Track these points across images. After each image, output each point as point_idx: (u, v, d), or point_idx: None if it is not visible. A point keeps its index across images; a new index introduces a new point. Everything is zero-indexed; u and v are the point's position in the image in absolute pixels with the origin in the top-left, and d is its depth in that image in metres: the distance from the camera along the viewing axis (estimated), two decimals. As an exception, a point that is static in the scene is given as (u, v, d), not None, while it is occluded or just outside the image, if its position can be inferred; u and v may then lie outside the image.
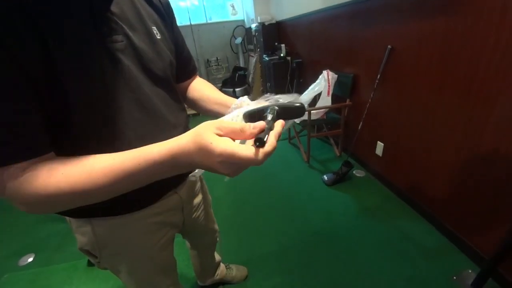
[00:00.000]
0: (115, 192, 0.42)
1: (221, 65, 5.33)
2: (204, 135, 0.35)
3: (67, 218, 0.62)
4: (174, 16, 0.67)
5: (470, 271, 1.34)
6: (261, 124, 0.37)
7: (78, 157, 0.41)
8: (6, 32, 0.34)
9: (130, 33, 0.50)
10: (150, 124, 0.54)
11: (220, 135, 0.35)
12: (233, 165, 0.35)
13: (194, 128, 0.37)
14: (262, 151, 0.33)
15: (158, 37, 0.57)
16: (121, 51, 0.49)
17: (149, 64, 0.54)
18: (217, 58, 5.25)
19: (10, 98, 0.36)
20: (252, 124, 0.36)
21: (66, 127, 0.45)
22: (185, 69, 0.73)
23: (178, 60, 0.66)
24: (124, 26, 0.49)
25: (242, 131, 0.36)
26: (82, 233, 0.62)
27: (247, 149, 0.33)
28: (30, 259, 1.74)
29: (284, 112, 0.41)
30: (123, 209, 0.60)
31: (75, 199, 0.41)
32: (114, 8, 0.48)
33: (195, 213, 0.84)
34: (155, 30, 0.56)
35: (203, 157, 0.35)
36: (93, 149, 0.42)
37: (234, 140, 0.36)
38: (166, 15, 0.62)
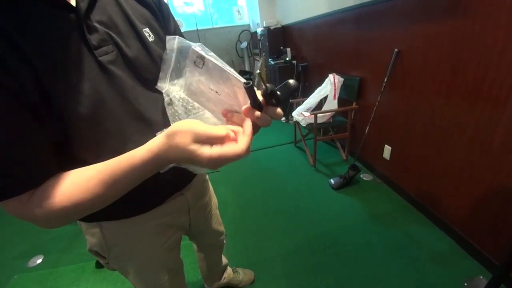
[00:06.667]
0: (115, 196, 0.42)
1: (227, 69, 5.37)
2: (184, 144, 0.36)
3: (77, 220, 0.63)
4: (167, 8, 0.61)
5: (481, 277, 1.31)
6: (247, 129, 0.38)
7: (73, 172, 0.42)
8: (3, 71, 0.35)
9: (120, 42, 0.48)
10: (150, 134, 0.52)
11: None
12: (219, 163, 0.36)
13: (169, 134, 0.37)
14: (245, 141, 0.37)
15: (151, 39, 0.53)
16: (113, 63, 0.47)
17: (143, 72, 0.51)
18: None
19: (15, 133, 0.37)
20: (241, 129, 0.39)
21: (67, 147, 0.45)
22: None
23: None
24: (113, 35, 0.47)
25: (230, 137, 0.38)
26: (91, 234, 0.63)
27: (232, 147, 0.36)
28: (39, 261, 1.77)
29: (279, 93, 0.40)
30: (131, 212, 0.61)
31: (82, 211, 0.42)
32: (101, 16, 0.46)
33: (201, 215, 0.85)
34: (147, 31, 0.53)
35: (186, 159, 0.37)
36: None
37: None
38: (158, 11, 0.57)
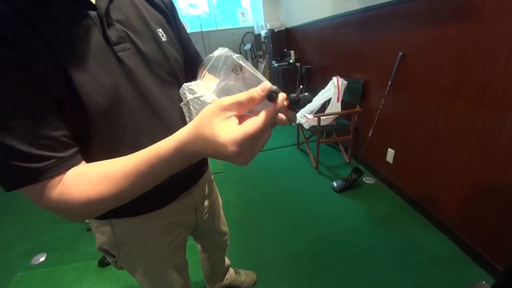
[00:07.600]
0: (141, 190, 0.42)
1: (230, 70, 5.39)
2: (209, 127, 0.33)
3: None
4: (178, 14, 0.66)
5: (484, 282, 1.30)
6: (266, 85, 0.35)
7: (98, 164, 0.42)
8: (31, 58, 0.37)
9: (136, 40, 0.51)
10: (163, 129, 0.54)
11: (228, 117, 0.34)
12: (248, 147, 0.34)
13: (197, 118, 0.36)
14: (268, 112, 0.34)
15: (164, 39, 0.57)
16: (130, 59, 0.50)
17: (157, 69, 0.54)
18: (226, 64, 5.32)
19: (42, 118, 0.38)
20: (258, 88, 0.35)
21: (85, 139, 0.46)
22: (193, 67, 0.69)
23: (186, 58, 0.66)
24: (130, 33, 0.50)
25: (251, 100, 0.34)
26: (101, 232, 0.64)
27: (253, 122, 0.33)
28: (42, 259, 1.78)
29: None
30: (141, 210, 0.62)
31: (107, 204, 0.42)
32: (119, 16, 0.49)
33: (207, 214, 0.85)
34: (160, 32, 0.56)
35: (213, 151, 0.34)
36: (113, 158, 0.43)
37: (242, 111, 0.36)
38: (170, 15, 0.61)
